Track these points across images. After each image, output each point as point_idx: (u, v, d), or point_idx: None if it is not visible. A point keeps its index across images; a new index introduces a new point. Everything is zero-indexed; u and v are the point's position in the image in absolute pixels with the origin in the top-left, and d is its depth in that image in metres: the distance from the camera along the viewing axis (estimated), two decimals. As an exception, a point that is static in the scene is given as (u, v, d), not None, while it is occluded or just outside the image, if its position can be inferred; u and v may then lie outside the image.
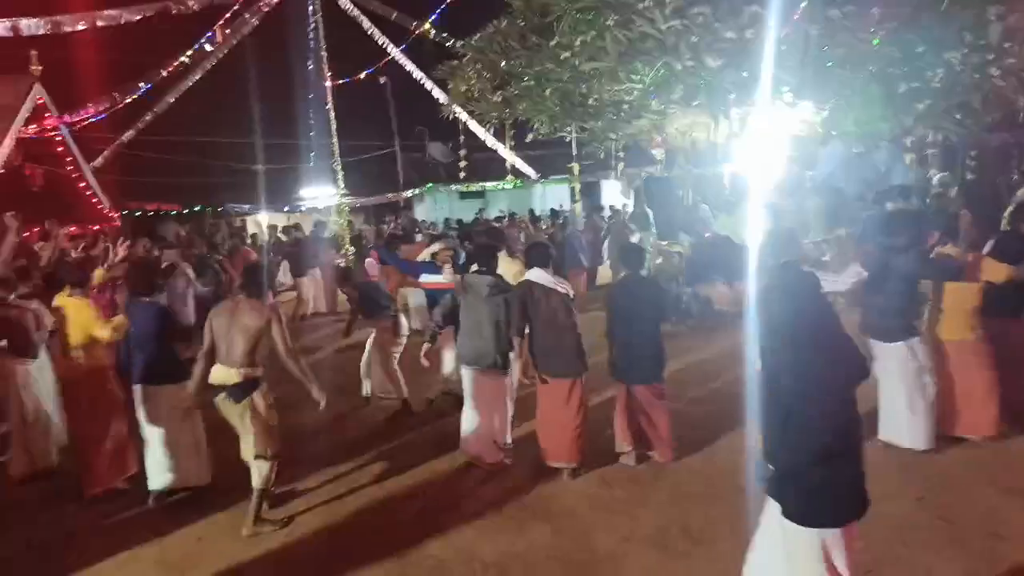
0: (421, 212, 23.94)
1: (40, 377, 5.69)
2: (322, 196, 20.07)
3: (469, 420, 5.30)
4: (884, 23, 7.81)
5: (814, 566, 2.38)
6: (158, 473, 5.03)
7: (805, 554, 2.39)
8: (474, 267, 5.52)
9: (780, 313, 2.53)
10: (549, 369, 5.04)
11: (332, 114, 13.35)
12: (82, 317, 5.06)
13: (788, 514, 2.42)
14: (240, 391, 4.42)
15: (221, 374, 4.46)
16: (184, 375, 4.86)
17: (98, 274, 5.67)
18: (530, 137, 12.07)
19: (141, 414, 5.03)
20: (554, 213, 16.88)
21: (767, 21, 7.29)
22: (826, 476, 2.27)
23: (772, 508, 2.59)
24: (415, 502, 4.94)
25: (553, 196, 24.87)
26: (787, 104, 8.88)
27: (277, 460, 4.60)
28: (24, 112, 12.34)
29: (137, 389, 5.03)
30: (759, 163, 10.26)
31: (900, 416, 5.05)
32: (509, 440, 5.33)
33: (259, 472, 4.52)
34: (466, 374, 5.31)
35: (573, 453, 5.03)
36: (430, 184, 22.70)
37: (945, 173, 12.75)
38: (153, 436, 5.01)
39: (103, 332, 5.02)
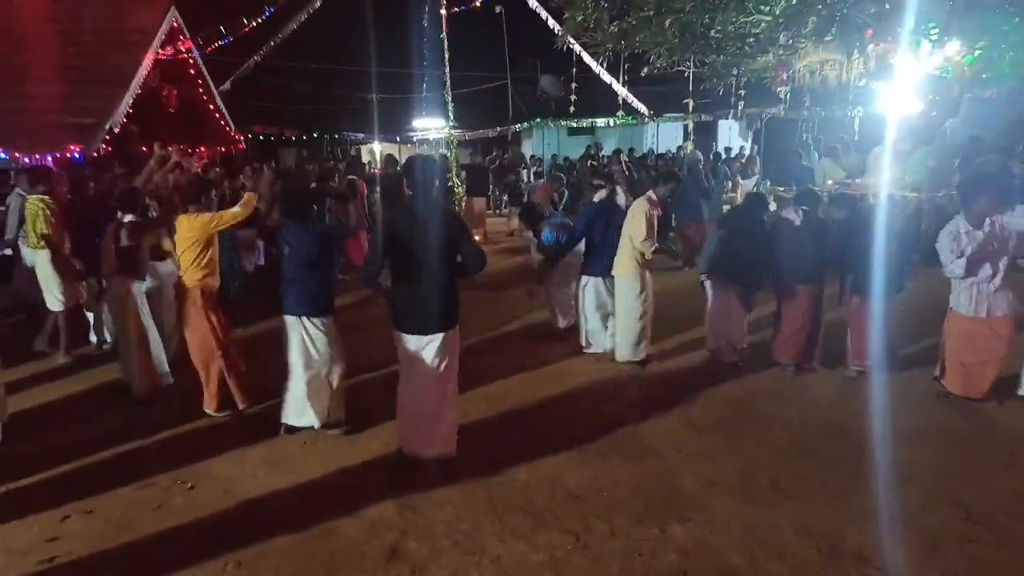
0: (529, 147, 23.76)
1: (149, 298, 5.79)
2: (432, 128, 20.26)
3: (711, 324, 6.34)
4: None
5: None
6: (317, 410, 4.90)
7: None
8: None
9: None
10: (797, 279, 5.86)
11: (445, 44, 13.29)
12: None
13: None
14: None
15: None
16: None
17: None
18: (645, 71, 11.61)
19: (307, 348, 4.79)
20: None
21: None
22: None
23: None
24: (511, 427, 5.12)
25: (666, 134, 23.98)
26: (932, 41, 8.09)
27: None
28: (161, 34, 13.05)
29: (293, 320, 4.75)
30: (894, 107, 9.50)
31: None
32: (744, 344, 6.22)
33: None
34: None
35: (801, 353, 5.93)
36: (538, 119, 22.37)
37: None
38: (313, 372, 4.83)
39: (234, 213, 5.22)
